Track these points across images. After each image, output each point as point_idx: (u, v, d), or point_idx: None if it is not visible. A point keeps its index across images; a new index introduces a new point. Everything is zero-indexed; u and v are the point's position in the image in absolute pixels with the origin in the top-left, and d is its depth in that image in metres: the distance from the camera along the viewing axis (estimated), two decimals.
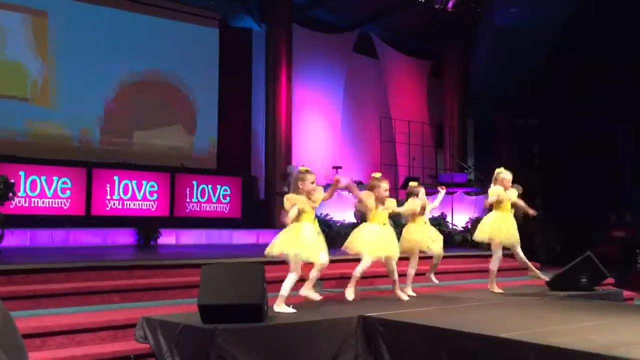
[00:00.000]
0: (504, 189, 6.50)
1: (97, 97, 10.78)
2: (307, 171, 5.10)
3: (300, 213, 4.95)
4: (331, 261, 5.32)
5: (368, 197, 5.63)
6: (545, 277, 6.79)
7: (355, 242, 5.61)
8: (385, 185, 5.70)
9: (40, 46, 10.31)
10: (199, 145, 11.89)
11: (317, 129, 13.34)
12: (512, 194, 6.56)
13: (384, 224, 5.67)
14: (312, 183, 5.03)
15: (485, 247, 7.13)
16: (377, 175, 5.83)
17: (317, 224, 5.10)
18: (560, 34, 12.78)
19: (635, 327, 4.56)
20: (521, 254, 6.55)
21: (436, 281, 6.49)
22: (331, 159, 12.74)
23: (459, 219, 11.21)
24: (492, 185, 6.59)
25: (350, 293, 5.44)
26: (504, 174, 6.54)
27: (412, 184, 6.48)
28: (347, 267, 6.42)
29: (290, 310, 4.80)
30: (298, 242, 4.89)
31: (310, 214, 5.03)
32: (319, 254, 4.97)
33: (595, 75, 13.67)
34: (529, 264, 6.73)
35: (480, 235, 6.59)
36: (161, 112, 11.55)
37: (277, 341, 4.25)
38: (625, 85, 13.39)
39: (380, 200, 5.65)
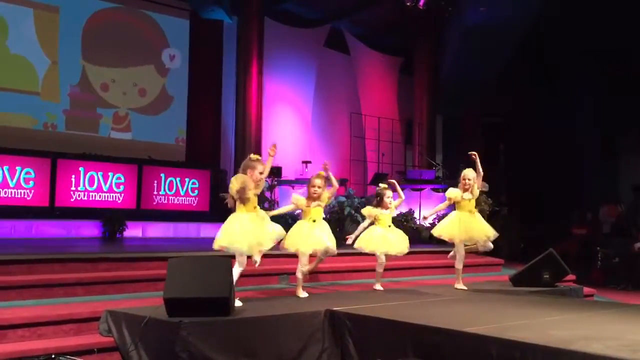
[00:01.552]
0: (462, 189, 6.45)
1: (65, 85, 10.60)
2: (257, 160, 5.08)
3: (243, 200, 4.93)
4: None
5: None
6: (462, 287, 6.53)
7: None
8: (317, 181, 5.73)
9: None
10: (167, 137, 11.77)
11: (287, 123, 13.33)
12: (475, 194, 6.47)
13: (314, 221, 5.67)
14: (261, 173, 5.02)
15: (450, 244, 7.19)
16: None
17: (259, 210, 5.05)
18: (528, 33, 13.00)
19: (593, 323, 4.69)
20: (484, 248, 6.57)
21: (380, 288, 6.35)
22: (301, 154, 12.74)
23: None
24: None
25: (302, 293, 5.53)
26: (464, 173, 6.49)
27: (382, 185, 6.50)
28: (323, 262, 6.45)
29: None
30: (236, 234, 4.88)
31: (254, 200, 5.01)
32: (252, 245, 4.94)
33: (560, 74, 13.95)
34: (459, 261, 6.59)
35: (437, 231, 6.60)
36: None
37: (244, 335, 4.24)
38: (590, 84, 13.70)
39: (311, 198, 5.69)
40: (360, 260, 7.11)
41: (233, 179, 4.96)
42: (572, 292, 6.98)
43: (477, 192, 6.49)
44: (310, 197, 5.68)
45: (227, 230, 4.94)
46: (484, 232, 6.49)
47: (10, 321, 4.36)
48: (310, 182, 5.80)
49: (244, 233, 4.88)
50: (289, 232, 5.56)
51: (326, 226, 5.75)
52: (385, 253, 6.21)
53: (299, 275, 5.58)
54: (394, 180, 6.71)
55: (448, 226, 6.49)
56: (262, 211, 5.08)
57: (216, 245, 4.94)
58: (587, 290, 7.63)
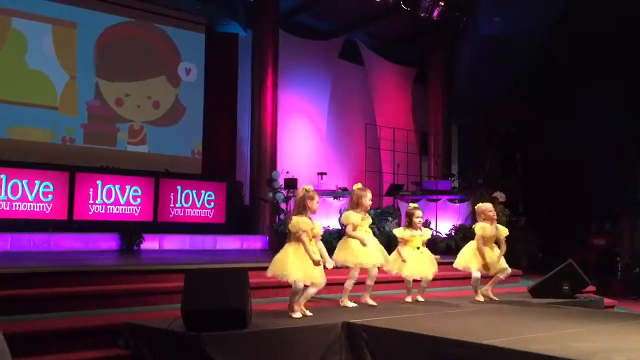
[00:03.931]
0: (490, 222, 6.37)
1: (83, 99, 10.74)
2: (313, 191, 5.21)
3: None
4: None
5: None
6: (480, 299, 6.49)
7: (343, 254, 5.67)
8: (369, 194, 5.79)
9: None
10: (183, 150, 11.85)
11: (303, 135, 13.36)
12: (502, 232, 6.44)
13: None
14: (317, 202, 5.19)
15: None
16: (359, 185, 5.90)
17: (316, 243, 5.16)
18: (542, 43, 12.96)
19: (615, 335, 4.62)
20: (500, 277, 6.49)
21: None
22: (316, 165, 12.76)
23: (443, 226, 11.28)
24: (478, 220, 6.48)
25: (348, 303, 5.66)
26: (484, 207, 6.45)
27: (412, 205, 6.44)
28: (339, 274, 6.44)
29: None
30: (295, 266, 4.93)
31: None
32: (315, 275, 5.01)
33: (575, 82, 13.84)
34: (490, 286, 6.57)
35: (458, 263, 6.55)
36: None
37: (261, 347, 4.24)
38: (605, 93, 13.57)
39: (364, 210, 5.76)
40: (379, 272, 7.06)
41: (294, 221, 5.04)
42: (593, 304, 6.89)
43: (502, 230, 6.46)
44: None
45: (279, 260, 5.00)
46: (499, 264, 6.42)
47: (30, 334, 4.39)
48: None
49: (299, 264, 4.94)
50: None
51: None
52: (410, 276, 6.16)
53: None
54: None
55: (465, 257, 6.46)
56: (320, 244, 5.18)
57: (269, 274, 5.03)
58: (607, 301, 7.52)
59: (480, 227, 6.36)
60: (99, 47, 11.01)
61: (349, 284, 5.71)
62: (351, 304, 5.69)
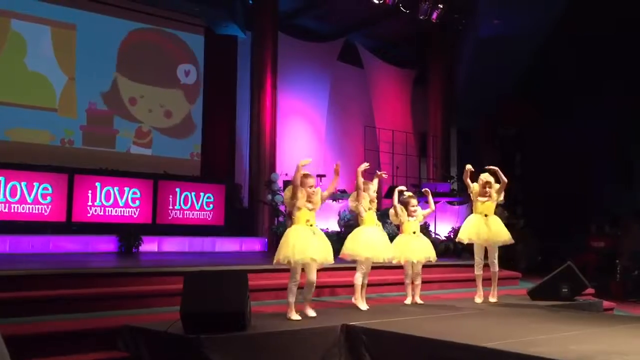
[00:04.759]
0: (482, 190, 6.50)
1: (82, 101, 10.73)
2: (308, 174, 5.15)
3: (296, 211, 4.98)
4: (322, 270, 5.36)
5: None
6: (495, 300, 6.55)
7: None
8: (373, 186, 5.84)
9: None
10: (182, 152, 11.85)
11: (302, 137, 13.36)
12: (494, 187, 6.54)
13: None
14: (311, 187, 5.10)
15: (468, 256, 7.14)
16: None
17: (315, 227, 5.10)
18: (541, 44, 12.98)
19: (614, 337, 4.62)
20: (495, 261, 6.51)
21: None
22: (315, 167, 12.74)
23: (442, 228, 11.28)
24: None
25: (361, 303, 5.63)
26: (482, 175, 6.60)
27: (407, 193, 6.45)
28: (338, 276, 6.44)
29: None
30: (291, 247, 4.90)
31: (306, 214, 5.04)
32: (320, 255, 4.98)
33: (574, 84, 13.87)
34: (495, 279, 6.60)
35: (461, 235, 6.61)
36: None
37: (261, 350, 4.24)
38: (604, 94, 13.60)
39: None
40: (377, 274, 7.07)
41: (286, 190, 5.08)
42: (592, 306, 6.89)
43: (495, 197, 6.48)
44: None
45: (282, 245, 4.98)
46: (499, 235, 6.44)
47: (30, 336, 4.39)
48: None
49: (299, 245, 4.91)
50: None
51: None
52: (408, 260, 6.14)
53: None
54: (428, 190, 6.65)
55: (466, 228, 6.53)
56: (317, 229, 5.12)
57: (274, 261, 5.00)
58: (606, 304, 7.52)
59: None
60: (123, 46, 11.18)
61: (358, 279, 5.70)
62: (364, 307, 5.66)
